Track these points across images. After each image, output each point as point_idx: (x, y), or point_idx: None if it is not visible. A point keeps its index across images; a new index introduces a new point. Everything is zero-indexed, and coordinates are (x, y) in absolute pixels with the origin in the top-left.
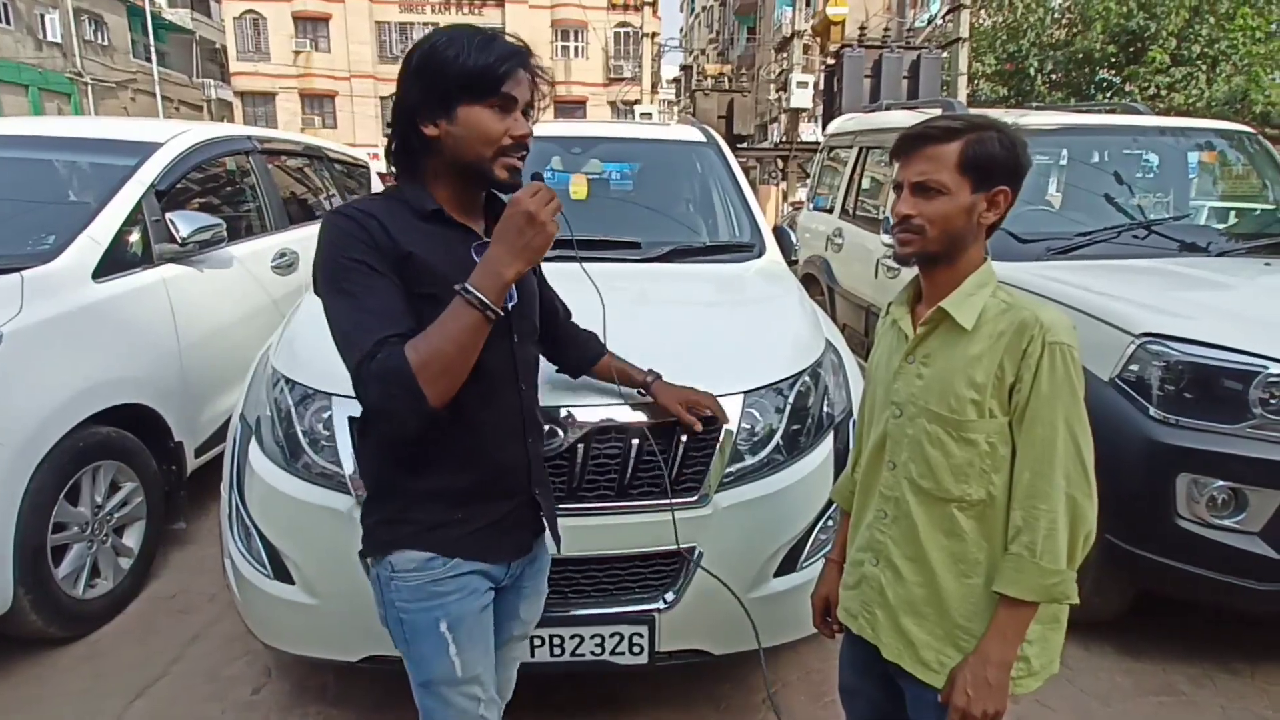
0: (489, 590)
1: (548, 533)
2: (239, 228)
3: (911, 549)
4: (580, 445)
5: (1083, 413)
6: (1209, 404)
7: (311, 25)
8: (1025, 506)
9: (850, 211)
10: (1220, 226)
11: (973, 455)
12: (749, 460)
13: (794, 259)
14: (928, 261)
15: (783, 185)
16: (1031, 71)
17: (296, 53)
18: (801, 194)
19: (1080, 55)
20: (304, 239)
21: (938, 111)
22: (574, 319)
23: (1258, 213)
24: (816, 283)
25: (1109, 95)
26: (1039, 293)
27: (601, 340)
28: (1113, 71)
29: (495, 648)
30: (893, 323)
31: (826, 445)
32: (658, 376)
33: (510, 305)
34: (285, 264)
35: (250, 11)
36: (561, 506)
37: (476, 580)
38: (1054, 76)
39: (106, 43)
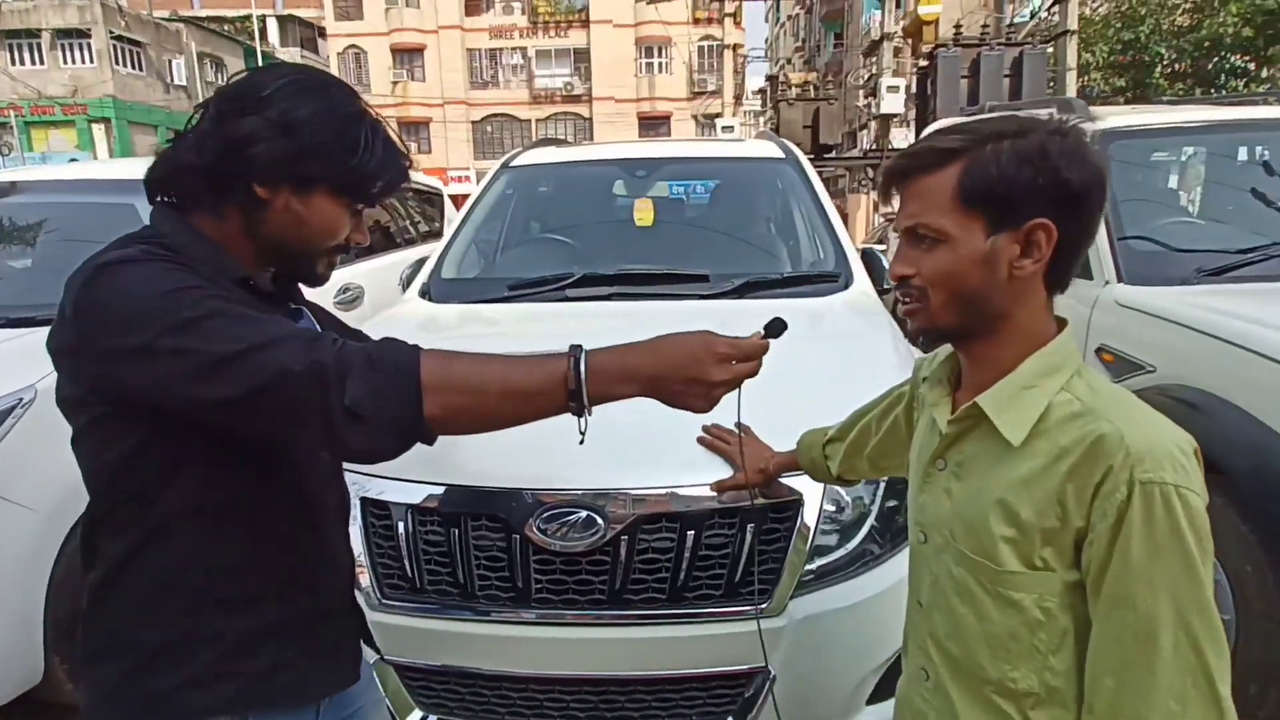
0: None
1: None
2: None
3: None
4: (625, 538)
5: (1205, 595)
6: None
7: (408, 56)
8: None
9: None
10: None
11: (1017, 624)
12: (836, 554)
13: (886, 288)
14: (951, 337)
15: (873, 195)
16: (1152, 61)
17: (394, 83)
18: (896, 204)
19: (1209, 41)
20: (374, 271)
21: (1050, 112)
22: None
23: None
24: None
25: (1245, 83)
26: (1201, 329)
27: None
28: (1247, 56)
29: None
30: (929, 406)
31: None
32: None
33: None
34: (348, 299)
35: (353, 46)
36: (603, 614)
37: None
38: (1177, 66)
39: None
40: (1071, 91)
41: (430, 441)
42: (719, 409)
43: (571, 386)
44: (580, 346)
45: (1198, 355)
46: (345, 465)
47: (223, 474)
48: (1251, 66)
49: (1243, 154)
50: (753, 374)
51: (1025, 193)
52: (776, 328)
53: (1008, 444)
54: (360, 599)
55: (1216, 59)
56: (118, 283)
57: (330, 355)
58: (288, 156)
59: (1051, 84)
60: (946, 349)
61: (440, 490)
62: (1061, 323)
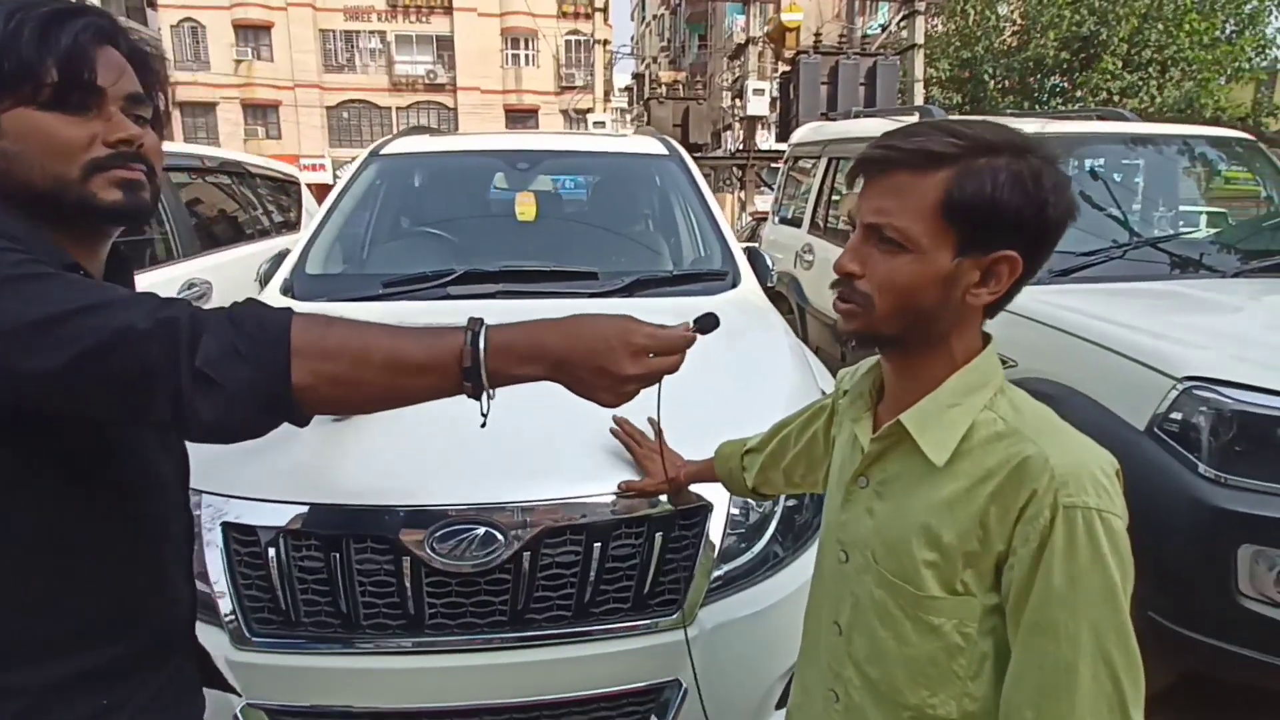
0: None
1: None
2: (139, 256)
3: None
4: (527, 553)
5: (1124, 621)
6: (1275, 461)
7: (253, 34)
8: None
9: (821, 225)
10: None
11: (936, 649)
12: (742, 559)
13: (770, 285)
14: (880, 344)
15: (740, 194)
16: (985, 78)
17: (238, 62)
18: (760, 203)
19: (1032, 62)
20: (222, 265)
21: (914, 119)
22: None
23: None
24: (785, 301)
25: (1061, 101)
26: (1054, 325)
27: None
28: (1064, 77)
29: None
30: (849, 421)
31: None
32: None
33: None
34: (194, 296)
35: (189, 19)
36: (505, 637)
37: None
38: (1006, 83)
39: None
40: (919, 102)
41: (300, 419)
42: (636, 402)
43: (467, 364)
44: (480, 320)
45: (1052, 349)
46: (199, 486)
47: (37, 491)
48: (1067, 86)
49: (1073, 164)
50: (672, 370)
51: (1007, 220)
52: (707, 324)
53: (931, 463)
54: (224, 636)
55: (1038, 77)
56: None
57: (185, 313)
58: None
59: (901, 94)
60: (870, 361)
61: (317, 510)
62: (986, 338)
